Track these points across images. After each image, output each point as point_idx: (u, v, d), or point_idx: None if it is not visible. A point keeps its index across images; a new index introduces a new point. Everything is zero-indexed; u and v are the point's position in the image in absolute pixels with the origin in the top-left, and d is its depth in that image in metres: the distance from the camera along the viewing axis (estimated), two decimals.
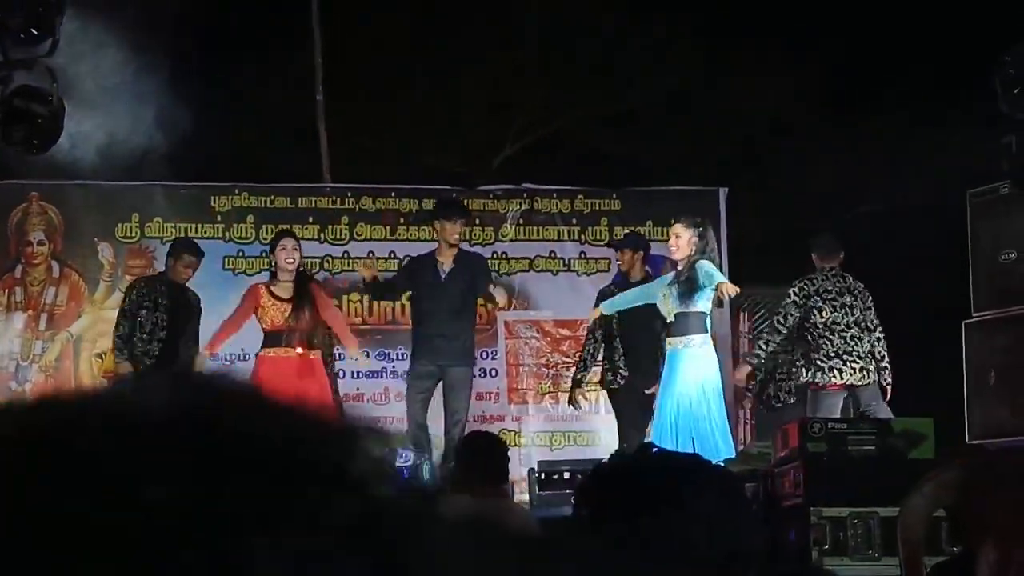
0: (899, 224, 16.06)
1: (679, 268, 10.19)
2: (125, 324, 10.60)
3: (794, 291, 10.68)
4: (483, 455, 7.22)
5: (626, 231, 12.17)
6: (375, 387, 12.44)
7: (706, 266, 9.97)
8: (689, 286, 10.06)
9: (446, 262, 10.75)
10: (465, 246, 11.23)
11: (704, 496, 2.23)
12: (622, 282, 11.17)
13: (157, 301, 10.61)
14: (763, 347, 10.87)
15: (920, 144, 16.03)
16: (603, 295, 11.09)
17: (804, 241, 11.26)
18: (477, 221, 12.58)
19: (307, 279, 10.67)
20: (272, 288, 10.36)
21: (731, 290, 9.99)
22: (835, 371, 10.50)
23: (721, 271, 12.28)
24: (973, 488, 2.96)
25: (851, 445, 8.17)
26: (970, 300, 11.71)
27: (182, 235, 12.32)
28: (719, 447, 9.71)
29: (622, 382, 11.05)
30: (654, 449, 2.44)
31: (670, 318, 10.17)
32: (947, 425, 9.96)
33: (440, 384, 10.74)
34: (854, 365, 10.53)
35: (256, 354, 10.58)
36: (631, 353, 10.99)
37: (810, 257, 10.91)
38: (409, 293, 12.43)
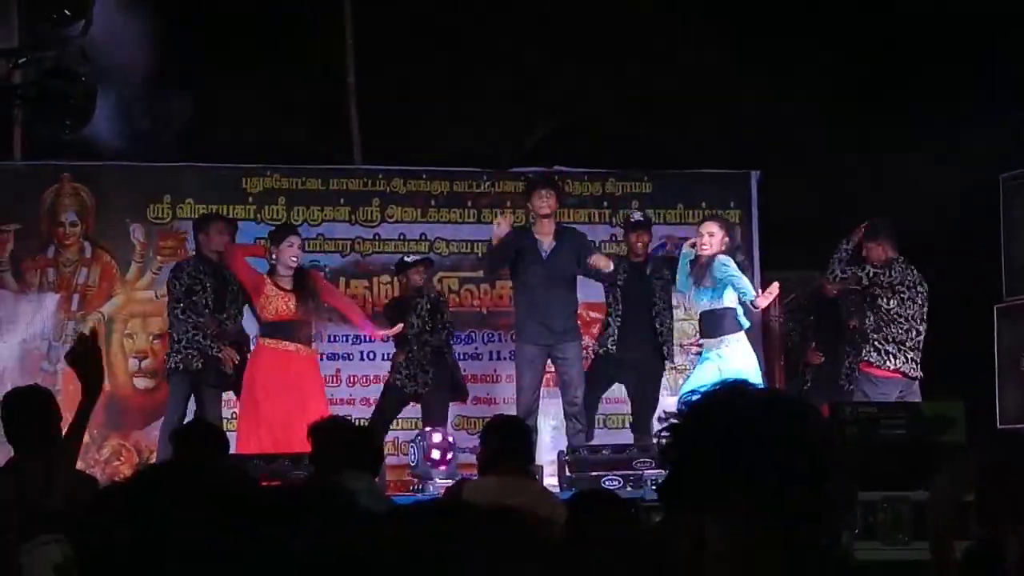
0: (930, 208, 15.99)
1: (702, 264, 10.23)
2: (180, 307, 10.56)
3: (871, 270, 10.59)
4: (507, 437, 7.24)
5: (637, 215, 12.08)
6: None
7: (722, 259, 9.99)
8: (708, 280, 10.10)
9: (545, 240, 10.72)
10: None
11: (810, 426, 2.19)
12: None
13: (203, 281, 10.56)
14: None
15: (953, 127, 15.95)
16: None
17: (835, 225, 11.21)
18: (508, 204, 12.59)
19: (304, 271, 10.63)
20: (275, 279, 10.39)
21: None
22: (892, 356, 10.47)
23: (752, 255, 12.32)
24: (1001, 472, 2.95)
25: (882, 429, 8.15)
26: (1002, 285, 11.68)
27: None
28: None
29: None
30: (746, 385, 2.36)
31: (697, 315, 10.24)
32: (979, 409, 9.93)
33: (550, 361, 10.75)
34: (907, 355, 10.50)
35: (256, 339, 10.59)
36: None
37: (843, 238, 10.78)
38: (440, 275, 12.47)
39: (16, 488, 5.74)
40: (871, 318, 10.60)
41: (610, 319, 11.08)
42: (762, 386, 2.35)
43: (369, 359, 12.27)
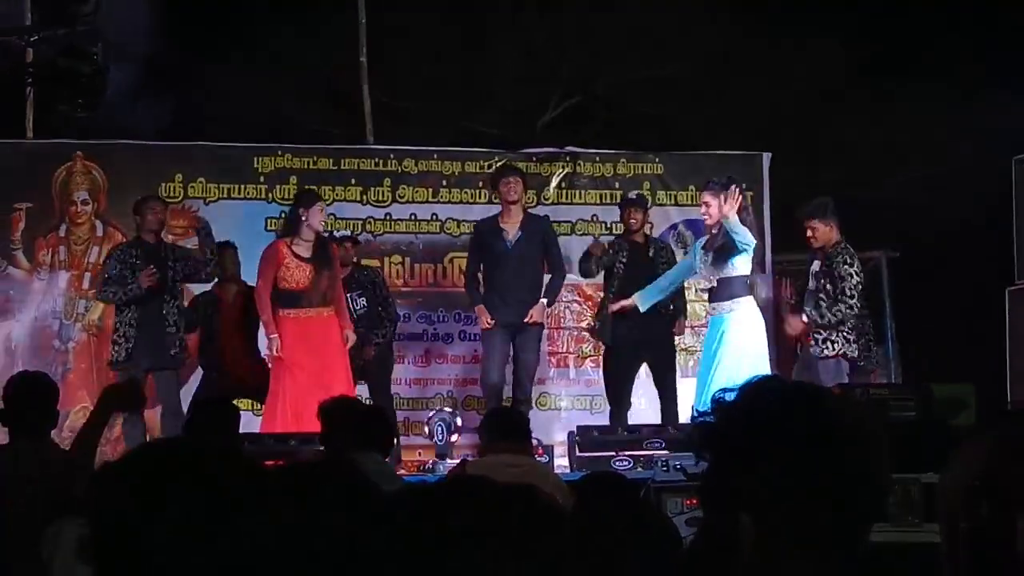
0: (943, 190, 15.97)
1: (714, 232, 10.17)
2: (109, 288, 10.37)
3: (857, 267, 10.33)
4: (503, 418, 7.58)
5: (632, 194, 12.07)
6: (415, 349, 12.48)
7: (732, 224, 9.91)
8: (723, 249, 10.05)
9: (511, 229, 10.72)
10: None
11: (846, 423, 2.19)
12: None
13: (134, 266, 10.29)
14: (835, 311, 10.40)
15: (965, 109, 15.92)
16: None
17: (847, 206, 11.17)
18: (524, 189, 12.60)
19: (326, 241, 10.54)
20: (294, 247, 10.27)
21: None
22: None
23: (764, 237, 12.29)
24: (1012, 453, 2.95)
25: (892, 411, 8.14)
26: (1014, 268, 11.66)
27: (224, 196, 12.38)
28: None
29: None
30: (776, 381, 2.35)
31: (711, 283, 10.19)
32: (990, 392, 9.92)
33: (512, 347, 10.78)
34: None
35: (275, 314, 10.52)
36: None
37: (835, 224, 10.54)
38: (451, 256, 12.52)
39: (14, 466, 5.78)
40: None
41: (606, 302, 11.03)
42: (790, 381, 2.34)
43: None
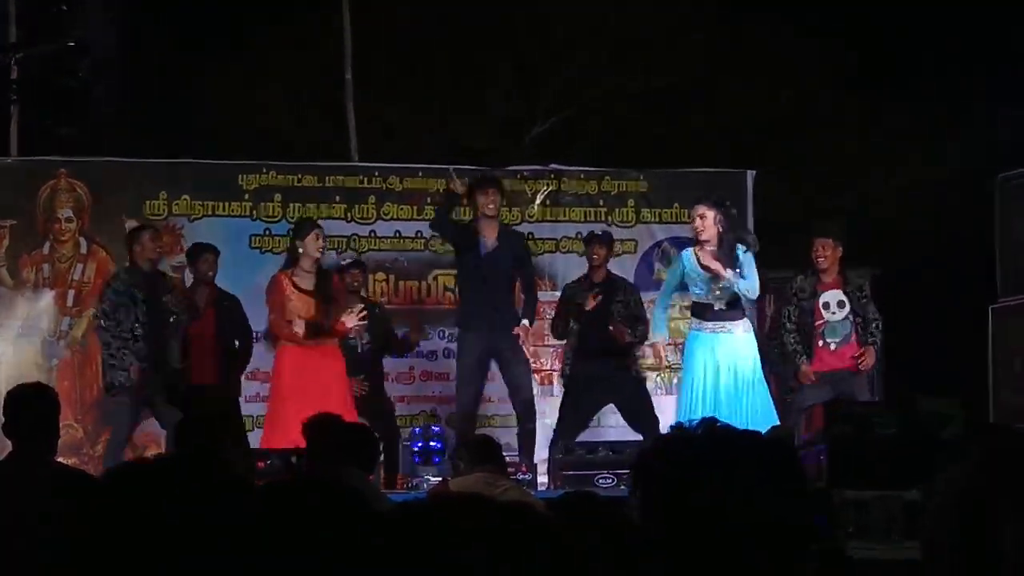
0: (927, 208, 16.02)
1: (708, 248, 10.11)
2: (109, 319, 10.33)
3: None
4: (483, 446, 7.78)
5: (597, 229, 12.17)
6: (399, 366, 12.46)
7: (748, 268, 9.91)
8: (728, 270, 10.00)
9: (488, 239, 10.64)
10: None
11: (778, 473, 2.21)
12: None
13: (134, 295, 10.29)
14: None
15: (949, 127, 15.98)
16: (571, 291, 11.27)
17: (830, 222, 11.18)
18: (503, 201, 12.58)
19: (328, 273, 10.55)
20: (295, 279, 10.27)
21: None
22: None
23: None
24: (999, 465, 2.96)
25: (876, 428, 8.15)
26: (997, 285, 11.69)
27: (209, 213, 12.36)
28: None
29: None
30: (718, 424, 2.38)
31: (719, 306, 10.09)
32: (973, 409, 9.94)
33: (492, 360, 10.73)
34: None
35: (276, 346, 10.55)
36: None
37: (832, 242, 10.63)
38: (435, 273, 12.52)
39: (15, 479, 5.75)
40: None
41: (567, 342, 11.20)
42: (732, 427, 2.35)
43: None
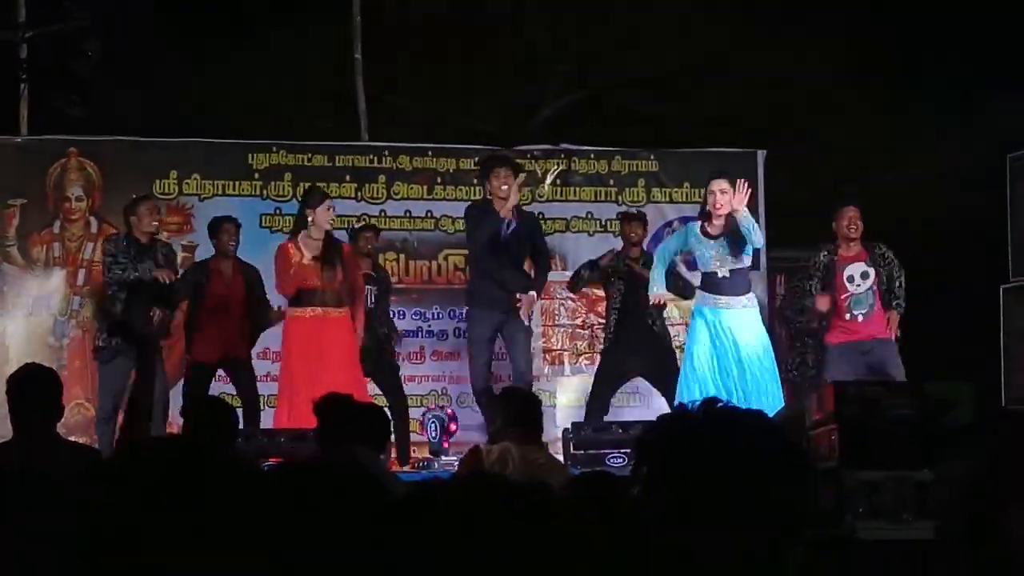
0: (937, 188, 15.98)
1: (716, 222, 10.10)
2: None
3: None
4: (522, 401, 7.47)
5: (623, 208, 12.16)
6: (410, 346, 12.47)
7: (746, 220, 9.90)
8: (735, 241, 9.99)
9: (506, 217, 10.58)
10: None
11: (775, 455, 2.21)
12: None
13: (126, 264, 10.26)
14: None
15: (959, 107, 15.93)
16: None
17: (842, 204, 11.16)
18: (518, 181, 12.57)
19: (339, 244, 10.49)
20: (302, 246, 10.23)
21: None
22: None
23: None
24: (1009, 450, 2.95)
25: (886, 409, 8.13)
26: (1009, 265, 11.67)
27: (219, 192, 12.37)
28: (775, 403, 9.75)
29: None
30: (719, 404, 2.38)
31: (723, 274, 10.09)
32: (985, 390, 9.93)
33: (500, 338, 10.70)
34: None
35: (282, 309, 10.55)
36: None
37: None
38: (446, 252, 12.52)
39: (20, 461, 5.75)
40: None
41: (609, 316, 11.24)
42: (733, 407, 2.35)
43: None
